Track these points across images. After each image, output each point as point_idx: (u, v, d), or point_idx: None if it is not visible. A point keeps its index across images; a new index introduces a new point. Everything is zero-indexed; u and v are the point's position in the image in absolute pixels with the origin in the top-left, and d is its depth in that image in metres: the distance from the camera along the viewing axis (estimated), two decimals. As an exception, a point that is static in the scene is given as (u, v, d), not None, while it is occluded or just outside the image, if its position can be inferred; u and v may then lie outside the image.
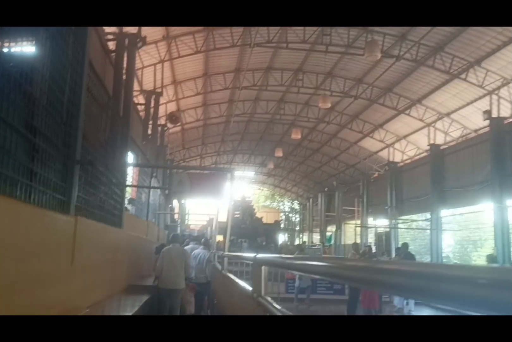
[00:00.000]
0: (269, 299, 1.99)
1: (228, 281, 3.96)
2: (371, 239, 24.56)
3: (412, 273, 0.79)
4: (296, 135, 21.68)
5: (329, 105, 17.09)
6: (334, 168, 32.75)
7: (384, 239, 21.74)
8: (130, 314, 5.29)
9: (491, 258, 10.82)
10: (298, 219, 47.13)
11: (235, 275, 5.88)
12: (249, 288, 2.78)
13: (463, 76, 15.19)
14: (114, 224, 6.69)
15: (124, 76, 8.67)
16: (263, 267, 2.30)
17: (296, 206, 50.18)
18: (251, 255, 2.87)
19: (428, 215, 19.57)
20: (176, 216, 22.92)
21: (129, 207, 10.30)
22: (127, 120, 8.33)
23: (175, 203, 23.40)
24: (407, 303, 10.67)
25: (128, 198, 10.28)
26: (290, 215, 49.03)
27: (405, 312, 11.14)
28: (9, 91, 3.12)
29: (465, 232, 16.73)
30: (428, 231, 18.95)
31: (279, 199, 53.64)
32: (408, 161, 23.26)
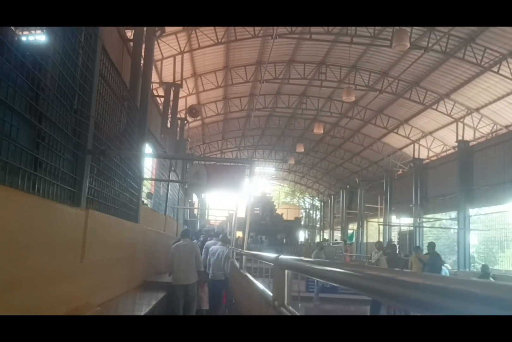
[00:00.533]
0: (293, 310, 1.61)
1: (246, 281, 3.63)
2: (394, 238, 23.99)
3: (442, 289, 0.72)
4: (318, 130, 21.24)
5: (353, 98, 16.62)
6: (357, 165, 32.17)
7: (407, 238, 21.17)
8: (143, 313, 5.07)
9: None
10: (318, 216, 46.67)
11: (255, 272, 5.65)
12: (269, 293, 2.44)
13: (495, 69, 14.53)
14: (130, 218, 6.49)
15: (142, 66, 8.47)
16: (286, 271, 1.92)
17: (316, 203, 49.71)
18: (272, 255, 2.43)
19: (453, 214, 19.02)
20: (195, 211, 22.76)
21: (147, 201, 10.13)
22: (145, 111, 8.12)
23: (194, 198, 23.29)
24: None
25: (147, 192, 10.12)
26: (311, 212, 48.61)
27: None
28: (16, 76, 2.91)
29: (490, 232, 16.32)
30: (452, 231, 18.42)
31: (300, 196, 53.25)
32: (434, 158, 22.62)
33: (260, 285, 3.01)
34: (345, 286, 1.23)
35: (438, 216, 19.97)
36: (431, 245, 10.97)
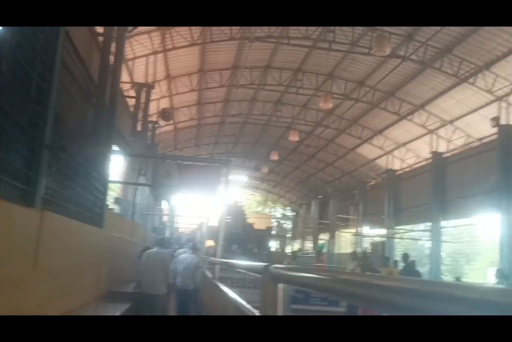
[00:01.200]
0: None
1: (222, 295, 3.21)
2: (366, 249, 23.97)
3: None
4: (294, 137, 21.11)
5: (330, 105, 16.56)
6: (330, 175, 32.23)
7: (379, 249, 21.14)
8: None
9: (501, 274, 9.78)
10: (290, 226, 46.49)
11: (230, 282, 5.31)
12: (254, 311, 2.04)
13: (471, 80, 14.71)
14: (93, 222, 6.07)
15: (112, 63, 8.05)
16: (280, 286, 1.49)
17: (288, 212, 49.61)
18: (259, 265, 1.97)
19: (425, 226, 19.18)
20: (165, 218, 22.20)
21: (114, 206, 9.66)
22: (114, 110, 7.69)
23: (164, 204, 22.72)
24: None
25: (115, 197, 9.65)
26: (282, 221, 48.37)
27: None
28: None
29: (457, 245, 16.48)
30: (419, 243, 18.60)
31: (272, 205, 53.05)
32: (407, 169, 22.80)
33: (240, 300, 2.54)
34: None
35: (410, 227, 20.03)
36: (405, 256, 10.84)
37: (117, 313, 5.73)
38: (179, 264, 9.01)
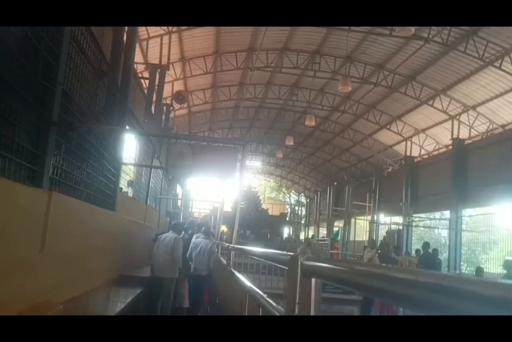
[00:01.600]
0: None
1: (237, 284, 2.92)
2: (382, 236, 23.71)
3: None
4: (310, 122, 20.72)
5: (349, 89, 16.14)
6: (345, 161, 31.82)
7: (396, 237, 20.85)
8: (116, 311, 4.51)
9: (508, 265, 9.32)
10: (304, 213, 46.28)
11: (244, 268, 5.13)
12: (280, 309, 1.73)
13: (496, 64, 14.14)
14: (105, 205, 5.92)
15: (125, 41, 7.83)
16: (314, 281, 1.24)
17: (302, 199, 49.41)
18: (283, 254, 1.69)
19: (441, 214, 18.83)
20: (179, 203, 22.15)
21: (127, 189, 9.53)
22: (126, 90, 7.48)
23: (178, 189, 22.66)
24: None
25: (128, 180, 9.51)
26: (296, 208, 48.18)
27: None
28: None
29: (473, 234, 16.30)
30: (436, 231, 18.31)
31: (286, 191, 52.91)
32: (426, 156, 22.34)
33: (261, 293, 2.19)
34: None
35: (428, 215, 19.68)
36: (426, 245, 10.57)
37: (126, 300, 5.61)
38: (193, 249, 8.89)
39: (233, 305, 3.27)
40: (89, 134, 4.99)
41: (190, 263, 8.67)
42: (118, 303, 5.12)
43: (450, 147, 19.94)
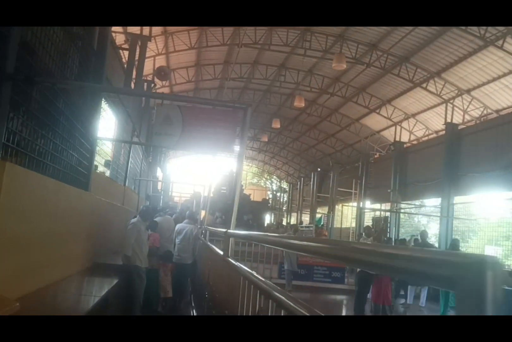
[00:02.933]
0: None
1: (238, 278, 2.31)
2: (368, 223, 23.38)
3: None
4: (299, 103, 19.96)
5: (344, 66, 15.42)
6: (331, 147, 31.28)
7: (381, 224, 20.50)
8: (86, 309, 3.81)
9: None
10: (285, 199, 45.80)
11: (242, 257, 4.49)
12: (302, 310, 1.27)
13: (498, 43, 13.55)
14: (78, 184, 5.19)
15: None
16: None
17: (284, 185, 49.00)
18: None
19: (421, 202, 18.57)
20: (159, 186, 21.38)
21: (104, 169, 8.75)
22: (103, 57, 6.66)
23: (159, 172, 21.85)
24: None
25: (105, 160, 8.72)
26: (278, 194, 47.68)
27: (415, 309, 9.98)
28: None
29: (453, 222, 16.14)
30: (416, 218, 18.14)
31: (267, 177, 52.42)
32: (415, 142, 21.90)
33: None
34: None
35: (417, 202, 19.32)
36: (424, 234, 10.09)
37: (104, 289, 4.93)
38: (177, 235, 8.24)
39: (231, 300, 2.62)
40: (56, 98, 4.22)
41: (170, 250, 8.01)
42: (90, 297, 4.42)
43: (441, 133, 19.55)
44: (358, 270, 8.39)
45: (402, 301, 10.54)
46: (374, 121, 24.35)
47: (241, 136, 3.55)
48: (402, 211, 20.02)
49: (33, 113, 3.75)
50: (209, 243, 5.84)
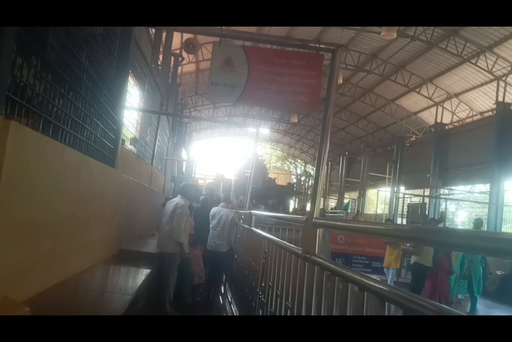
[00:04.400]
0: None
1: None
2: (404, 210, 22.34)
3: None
4: (338, 79, 18.80)
5: (394, 35, 14.24)
6: (362, 129, 30.09)
7: (419, 211, 19.43)
8: (122, 310, 3.05)
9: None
10: (310, 184, 44.71)
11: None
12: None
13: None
14: (103, 159, 4.46)
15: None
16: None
17: (309, 169, 48.03)
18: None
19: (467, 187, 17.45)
20: (183, 168, 20.74)
21: (130, 146, 8.02)
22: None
23: (183, 154, 21.19)
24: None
25: (131, 137, 7.99)
26: (303, 178, 46.67)
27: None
28: None
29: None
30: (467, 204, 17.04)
31: (292, 161, 51.50)
32: (457, 124, 20.62)
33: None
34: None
35: (459, 188, 18.16)
36: (478, 222, 9.12)
37: (136, 283, 4.22)
38: (211, 219, 7.44)
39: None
40: (78, 49, 3.44)
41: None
42: (120, 296, 3.69)
43: (486, 114, 18.29)
44: (413, 261, 7.55)
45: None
46: (411, 102, 23.08)
47: (328, 88, 2.66)
48: (442, 197, 18.91)
49: (50, 64, 2.97)
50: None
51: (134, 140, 8.06)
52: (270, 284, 3.36)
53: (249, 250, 5.11)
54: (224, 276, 7.47)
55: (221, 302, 7.08)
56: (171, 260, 5.45)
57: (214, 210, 7.46)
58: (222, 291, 7.44)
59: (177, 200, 5.76)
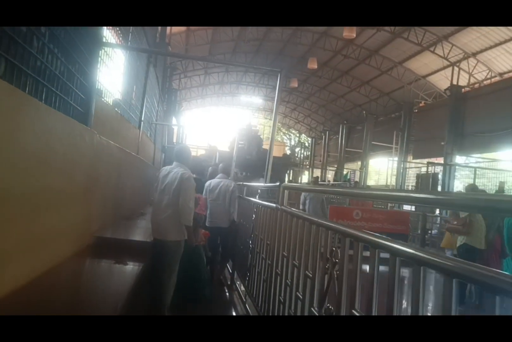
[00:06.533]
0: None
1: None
2: (410, 181, 21.25)
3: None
4: (349, 32, 17.04)
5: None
6: (365, 95, 28.64)
7: (430, 183, 18.28)
8: None
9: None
10: (305, 155, 43.49)
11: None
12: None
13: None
14: (66, 111, 3.14)
15: None
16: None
17: (304, 139, 46.85)
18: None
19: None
20: (174, 137, 19.37)
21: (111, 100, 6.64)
22: None
23: (174, 121, 19.76)
24: None
25: (114, 98, 6.61)
26: (297, 149, 45.48)
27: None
28: None
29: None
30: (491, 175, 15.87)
31: (286, 131, 50.25)
32: (474, 87, 19.26)
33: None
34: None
35: (475, 156, 16.93)
36: (502, 186, 7.88)
37: (123, 282, 3.00)
38: (209, 193, 6.37)
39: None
40: None
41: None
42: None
43: (506, 75, 16.98)
44: (461, 242, 6.38)
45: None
46: (421, 64, 21.64)
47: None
48: (457, 167, 17.74)
49: None
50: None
51: (118, 102, 6.65)
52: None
53: (243, 214, 5.67)
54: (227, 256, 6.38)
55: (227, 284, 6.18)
56: (174, 251, 4.13)
57: (212, 181, 6.37)
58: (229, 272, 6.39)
59: (178, 169, 4.36)
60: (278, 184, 3.68)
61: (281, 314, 3.07)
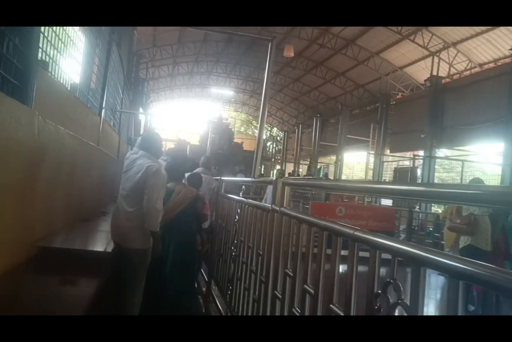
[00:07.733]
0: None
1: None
2: (387, 175, 20.89)
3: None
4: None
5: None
6: (340, 87, 28.15)
7: (409, 176, 17.90)
8: None
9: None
10: (277, 148, 42.92)
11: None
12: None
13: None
14: (2, 86, 2.28)
15: None
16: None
17: (275, 133, 46.28)
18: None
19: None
20: (141, 129, 18.34)
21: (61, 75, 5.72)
22: None
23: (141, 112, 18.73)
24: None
25: (71, 83, 5.70)
26: (269, 143, 44.85)
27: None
28: None
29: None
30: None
31: (257, 126, 49.49)
32: (453, 78, 18.94)
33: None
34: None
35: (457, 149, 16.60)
36: (479, 183, 7.35)
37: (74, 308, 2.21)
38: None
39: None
40: None
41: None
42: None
43: (486, 66, 16.69)
44: (465, 243, 5.79)
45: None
46: (398, 55, 21.21)
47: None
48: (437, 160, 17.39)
49: None
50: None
51: (75, 87, 5.74)
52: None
53: (222, 215, 4.85)
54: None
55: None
56: (137, 262, 3.34)
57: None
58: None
59: (144, 160, 3.52)
60: (274, 178, 2.76)
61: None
